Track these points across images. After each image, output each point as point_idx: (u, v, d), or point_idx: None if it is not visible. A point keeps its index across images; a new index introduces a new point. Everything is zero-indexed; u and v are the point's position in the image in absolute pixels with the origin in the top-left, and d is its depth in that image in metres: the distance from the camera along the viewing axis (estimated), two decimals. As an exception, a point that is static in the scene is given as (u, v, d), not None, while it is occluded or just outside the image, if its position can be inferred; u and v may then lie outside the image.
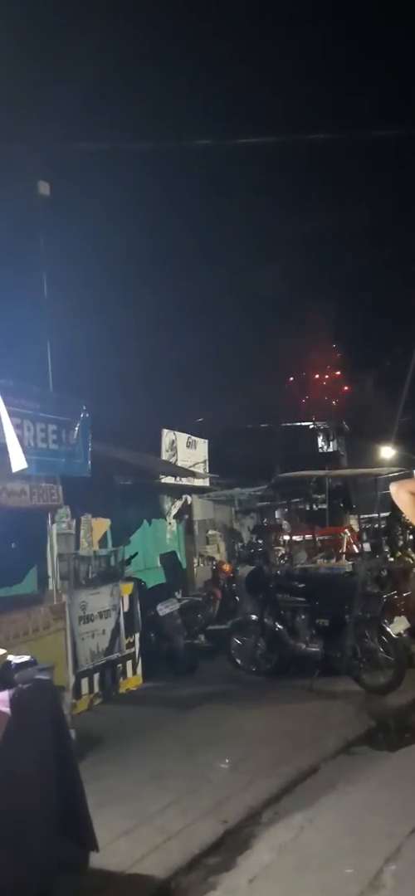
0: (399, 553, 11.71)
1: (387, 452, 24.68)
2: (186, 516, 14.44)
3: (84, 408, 6.97)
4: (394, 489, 2.71)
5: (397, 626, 7.94)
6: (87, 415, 6.96)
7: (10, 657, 4.03)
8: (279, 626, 8.66)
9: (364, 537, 13.69)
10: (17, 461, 5.21)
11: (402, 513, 2.80)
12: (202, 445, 15.61)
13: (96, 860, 4.14)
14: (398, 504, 2.71)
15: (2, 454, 5.86)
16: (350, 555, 13.13)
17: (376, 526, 13.25)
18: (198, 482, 14.22)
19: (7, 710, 3.69)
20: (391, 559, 11.06)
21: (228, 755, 6.03)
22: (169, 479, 12.77)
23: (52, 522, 7.44)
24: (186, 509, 14.30)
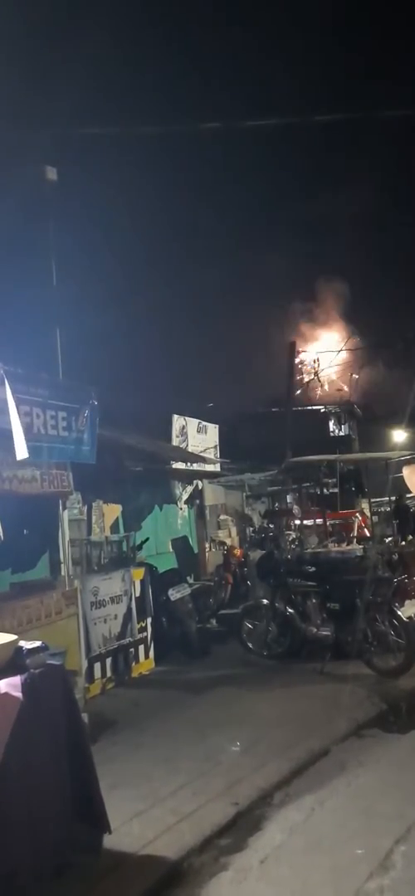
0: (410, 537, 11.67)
1: (399, 436, 24.65)
2: (198, 501, 14.47)
3: (92, 394, 6.97)
4: (407, 472, 2.73)
5: (408, 610, 7.96)
6: (96, 402, 6.97)
7: (22, 642, 4.08)
8: (290, 611, 8.68)
9: (375, 520, 13.66)
10: (20, 450, 5.25)
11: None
12: (213, 430, 15.59)
13: (109, 841, 4.20)
14: (411, 487, 2.73)
15: (11, 441, 5.90)
16: (361, 539, 13.11)
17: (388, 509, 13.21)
18: (209, 467, 14.23)
19: (19, 694, 3.74)
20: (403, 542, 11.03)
21: (240, 738, 6.07)
22: (180, 465, 12.80)
23: (64, 509, 7.47)
24: (198, 494, 14.33)
